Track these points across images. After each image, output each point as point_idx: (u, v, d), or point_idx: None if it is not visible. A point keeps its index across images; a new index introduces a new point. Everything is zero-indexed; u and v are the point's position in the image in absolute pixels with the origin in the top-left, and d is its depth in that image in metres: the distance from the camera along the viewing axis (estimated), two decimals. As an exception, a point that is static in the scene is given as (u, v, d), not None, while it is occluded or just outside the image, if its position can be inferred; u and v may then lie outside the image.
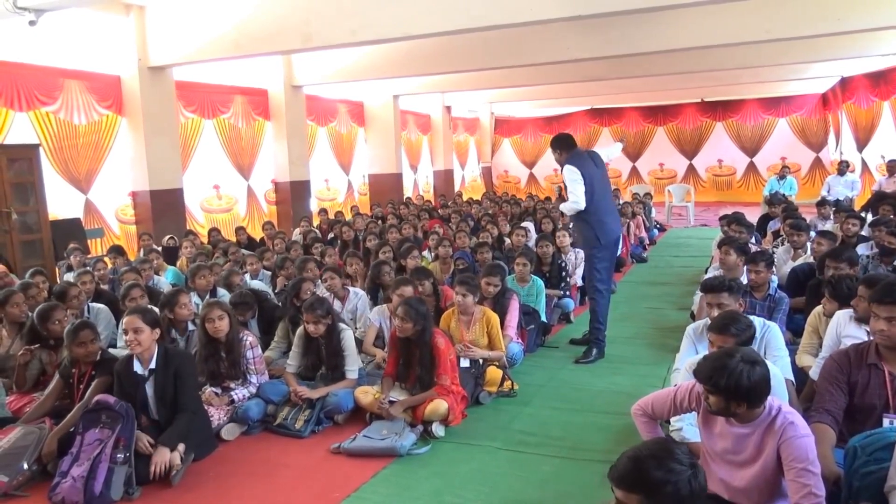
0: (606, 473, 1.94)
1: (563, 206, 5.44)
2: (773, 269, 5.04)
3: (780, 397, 2.97)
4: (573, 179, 5.11)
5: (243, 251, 7.86)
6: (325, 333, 4.33)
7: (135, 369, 3.72)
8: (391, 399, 4.07)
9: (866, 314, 3.33)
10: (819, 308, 4.06)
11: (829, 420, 2.81)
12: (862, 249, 5.86)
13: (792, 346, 4.06)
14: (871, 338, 2.97)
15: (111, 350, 4.76)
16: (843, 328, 3.58)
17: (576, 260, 7.28)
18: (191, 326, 4.69)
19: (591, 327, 5.46)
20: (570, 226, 7.34)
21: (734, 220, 6.89)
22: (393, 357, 4.29)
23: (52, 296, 5.11)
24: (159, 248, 7.86)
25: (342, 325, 4.49)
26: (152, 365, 3.71)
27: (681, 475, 1.85)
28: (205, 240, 9.18)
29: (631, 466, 1.88)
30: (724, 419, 2.54)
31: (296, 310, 4.81)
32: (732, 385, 2.36)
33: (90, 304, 5.29)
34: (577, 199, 5.15)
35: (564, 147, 5.32)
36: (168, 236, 8.65)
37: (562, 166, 5.28)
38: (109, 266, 7.00)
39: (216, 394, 4.16)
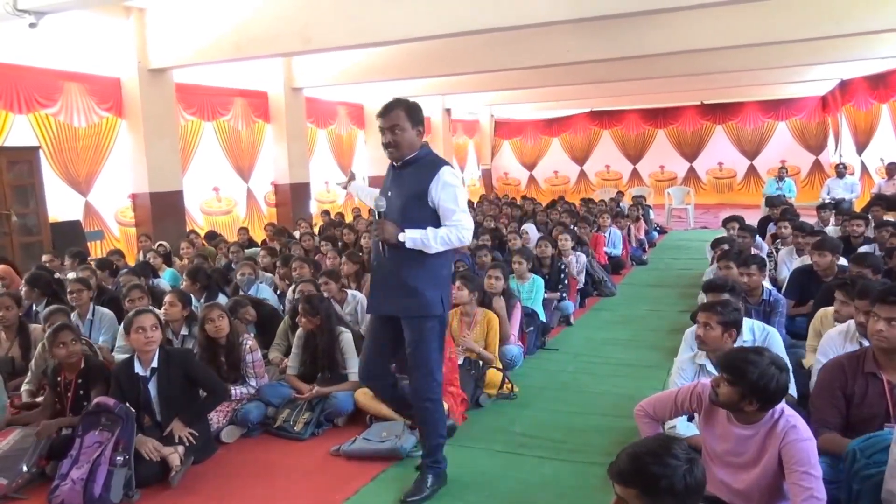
0: (607, 470, 1.98)
1: None
2: (771, 271, 5.00)
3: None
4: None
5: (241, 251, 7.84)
6: (320, 333, 4.32)
7: (136, 370, 3.70)
8: None
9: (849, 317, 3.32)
10: (828, 310, 3.90)
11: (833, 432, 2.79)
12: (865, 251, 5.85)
13: (792, 349, 4.05)
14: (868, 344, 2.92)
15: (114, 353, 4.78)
16: (841, 345, 3.36)
17: (577, 264, 7.30)
18: (184, 330, 4.68)
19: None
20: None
21: (735, 220, 6.91)
22: None
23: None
24: (158, 250, 7.85)
25: (341, 328, 4.46)
26: (154, 364, 3.71)
27: (676, 470, 1.86)
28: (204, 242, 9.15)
29: (629, 462, 1.92)
30: (726, 420, 2.54)
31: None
32: (762, 384, 2.37)
33: (95, 307, 5.25)
34: None
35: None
36: (158, 243, 8.61)
37: None
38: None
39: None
